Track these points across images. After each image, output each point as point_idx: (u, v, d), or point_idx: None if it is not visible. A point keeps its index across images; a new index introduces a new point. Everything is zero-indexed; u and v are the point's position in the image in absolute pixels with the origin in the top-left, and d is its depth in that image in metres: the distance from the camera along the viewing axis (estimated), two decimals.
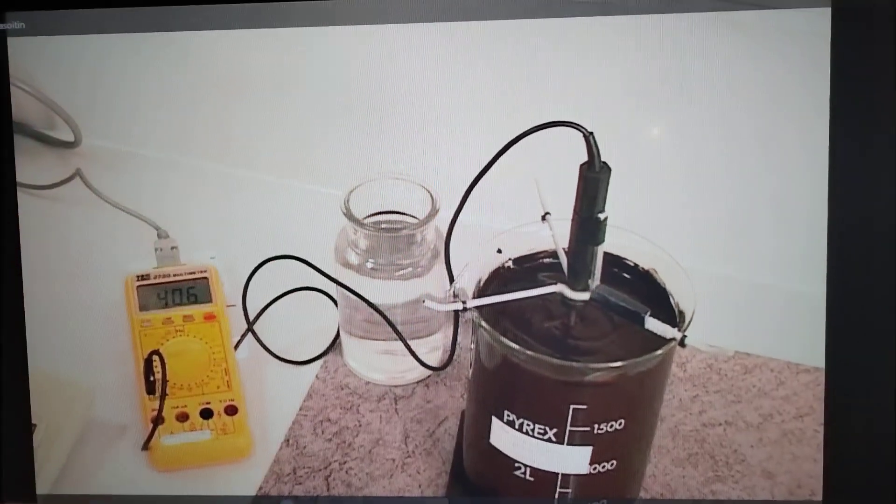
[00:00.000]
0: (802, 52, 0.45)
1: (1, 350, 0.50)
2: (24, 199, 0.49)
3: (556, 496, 0.41)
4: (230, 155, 0.52)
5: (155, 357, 0.49)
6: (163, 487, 0.48)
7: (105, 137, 0.52)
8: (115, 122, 0.52)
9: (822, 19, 0.44)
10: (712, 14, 0.45)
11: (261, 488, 0.47)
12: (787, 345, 0.50)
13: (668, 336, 0.38)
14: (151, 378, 0.49)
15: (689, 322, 0.39)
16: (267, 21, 0.47)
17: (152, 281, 0.52)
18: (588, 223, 0.38)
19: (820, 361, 0.45)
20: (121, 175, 0.52)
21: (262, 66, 0.50)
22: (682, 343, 0.38)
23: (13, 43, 0.48)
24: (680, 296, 0.41)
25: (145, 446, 0.48)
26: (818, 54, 0.44)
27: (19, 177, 0.49)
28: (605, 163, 0.37)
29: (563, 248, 0.41)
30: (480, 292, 0.42)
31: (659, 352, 0.38)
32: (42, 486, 0.48)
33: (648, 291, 0.41)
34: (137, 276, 0.52)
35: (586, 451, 0.40)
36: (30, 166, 0.50)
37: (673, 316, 0.40)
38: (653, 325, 0.38)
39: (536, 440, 0.40)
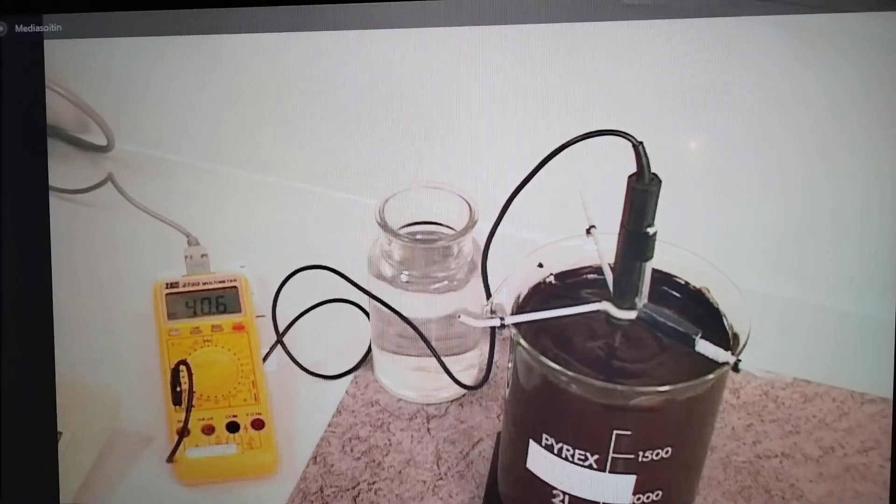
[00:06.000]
0: (871, 58, 0.44)
1: (28, 356, 0.50)
2: (55, 203, 0.50)
3: None
4: (263, 163, 0.53)
5: (182, 367, 0.49)
6: (187, 501, 0.48)
7: (137, 143, 0.54)
8: (147, 127, 0.53)
9: (893, 23, 0.42)
10: (771, 17, 0.44)
11: None
12: (851, 372, 0.49)
13: (721, 360, 0.37)
14: (178, 389, 0.49)
15: (744, 345, 0.37)
16: (300, 25, 0.47)
17: (181, 289, 0.52)
18: (636, 238, 0.37)
19: (887, 391, 0.44)
20: (152, 181, 0.54)
21: (294, 72, 0.51)
22: (735, 368, 0.36)
23: (49, 46, 0.49)
24: (734, 317, 0.39)
25: (170, 458, 0.48)
26: (889, 60, 0.42)
27: (51, 180, 0.50)
28: (655, 174, 0.36)
29: (609, 264, 0.40)
30: (519, 308, 0.41)
31: (710, 376, 0.37)
32: (65, 496, 0.48)
33: (700, 311, 0.40)
34: (166, 284, 0.53)
35: (630, 480, 0.38)
36: (62, 170, 0.50)
37: (726, 338, 0.39)
38: (704, 347, 0.37)
39: (576, 466, 0.39)
